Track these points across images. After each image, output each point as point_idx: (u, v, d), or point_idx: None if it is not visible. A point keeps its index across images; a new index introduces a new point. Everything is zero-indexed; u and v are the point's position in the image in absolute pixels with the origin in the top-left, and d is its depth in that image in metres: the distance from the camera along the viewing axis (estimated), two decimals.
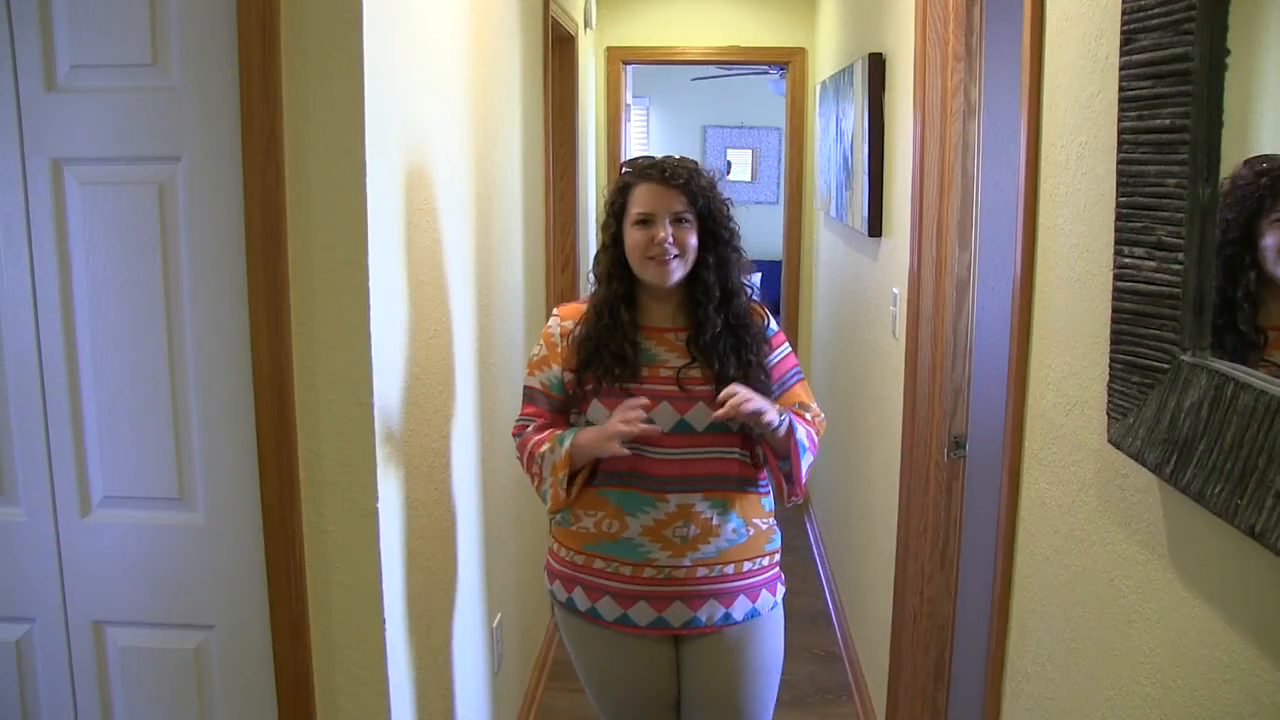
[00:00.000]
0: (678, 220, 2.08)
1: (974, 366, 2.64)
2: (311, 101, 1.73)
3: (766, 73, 7.43)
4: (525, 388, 2.23)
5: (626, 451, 2.00)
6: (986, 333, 2.73)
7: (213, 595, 1.92)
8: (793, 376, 2.25)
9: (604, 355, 2.10)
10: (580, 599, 2.17)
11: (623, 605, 2.13)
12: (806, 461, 2.15)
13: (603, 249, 2.18)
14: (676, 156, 2.15)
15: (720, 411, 1.96)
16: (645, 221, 2.08)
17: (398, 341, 1.96)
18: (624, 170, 2.17)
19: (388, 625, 1.90)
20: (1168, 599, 1.22)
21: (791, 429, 2.08)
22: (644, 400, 2.03)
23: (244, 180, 1.75)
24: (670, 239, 2.06)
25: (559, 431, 2.12)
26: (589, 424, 2.13)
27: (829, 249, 4.71)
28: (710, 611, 2.13)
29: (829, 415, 4.27)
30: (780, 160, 9.68)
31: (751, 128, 9.78)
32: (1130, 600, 1.32)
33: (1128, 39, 1.21)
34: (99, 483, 1.91)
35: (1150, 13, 1.16)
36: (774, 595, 2.22)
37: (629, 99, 6.01)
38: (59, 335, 1.86)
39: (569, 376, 2.15)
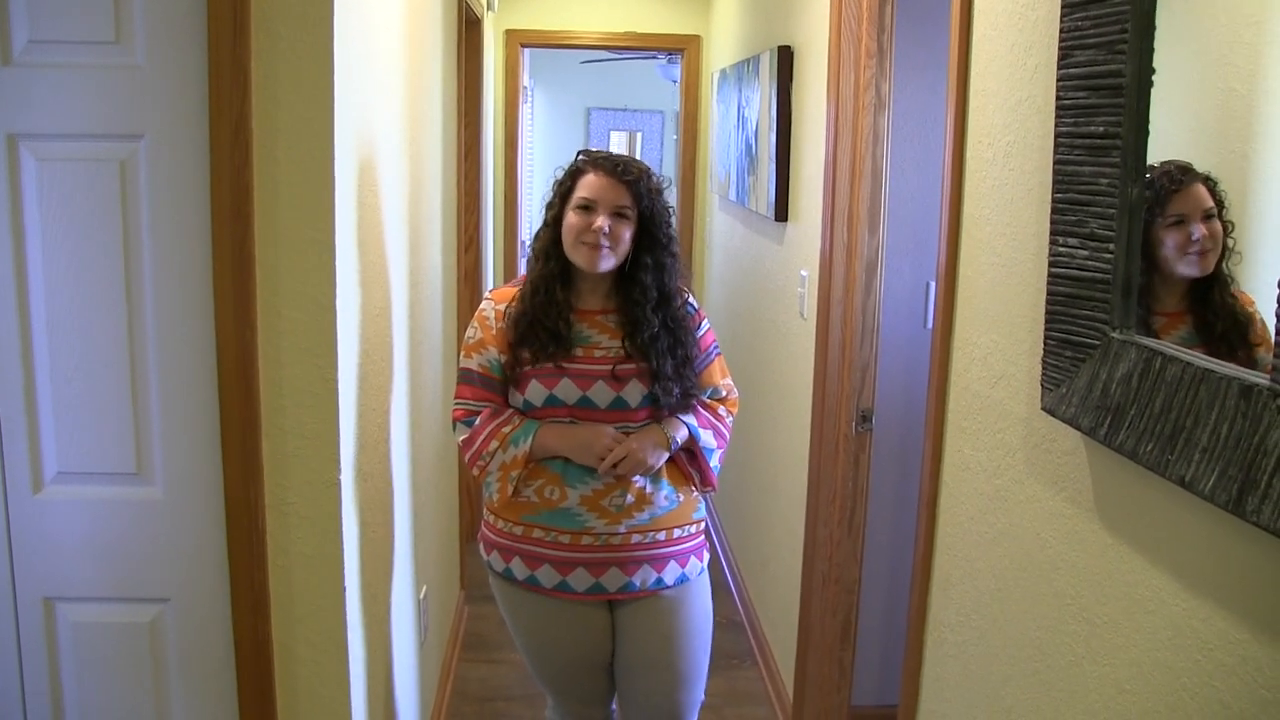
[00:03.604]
0: (618, 214, 2.18)
1: (880, 344, 2.82)
2: (281, 84, 1.77)
3: (655, 57, 7.56)
4: (463, 370, 2.29)
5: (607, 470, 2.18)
6: (891, 313, 2.93)
7: (169, 568, 1.95)
8: (711, 353, 2.40)
9: (538, 331, 2.20)
10: (519, 568, 2.26)
11: (561, 572, 2.23)
12: (714, 460, 2.34)
13: (544, 227, 2.27)
14: (628, 156, 2.26)
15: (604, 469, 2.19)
16: (586, 208, 2.18)
17: (353, 319, 2.01)
18: (579, 157, 2.26)
19: (348, 594, 1.96)
20: (1093, 546, 1.40)
21: (694, 438, 2.27)
22: (625, 443, 2.18)
23: (211, 161, 1.78)
24: (606, 229, 2.16)
25: (506, 429, 2.21)
26: (528, 404, 2.22)
27: (725, 231, 4.87)
28: (644, 576, 2.26)
29: None
30: (662, 143, 9.85)
31: (635, 110, 9.90)
32: (1057, 550, 1.50)
33: (1065, 54, 1.37)
34: (52, 459, 1.90)
35: (1086, 33, 1.32)
36: (701, 561, 2.37)
37: (526, 81, 6.05)
38: (12, 310, 1.85)
39: (505, 358, 2.24)
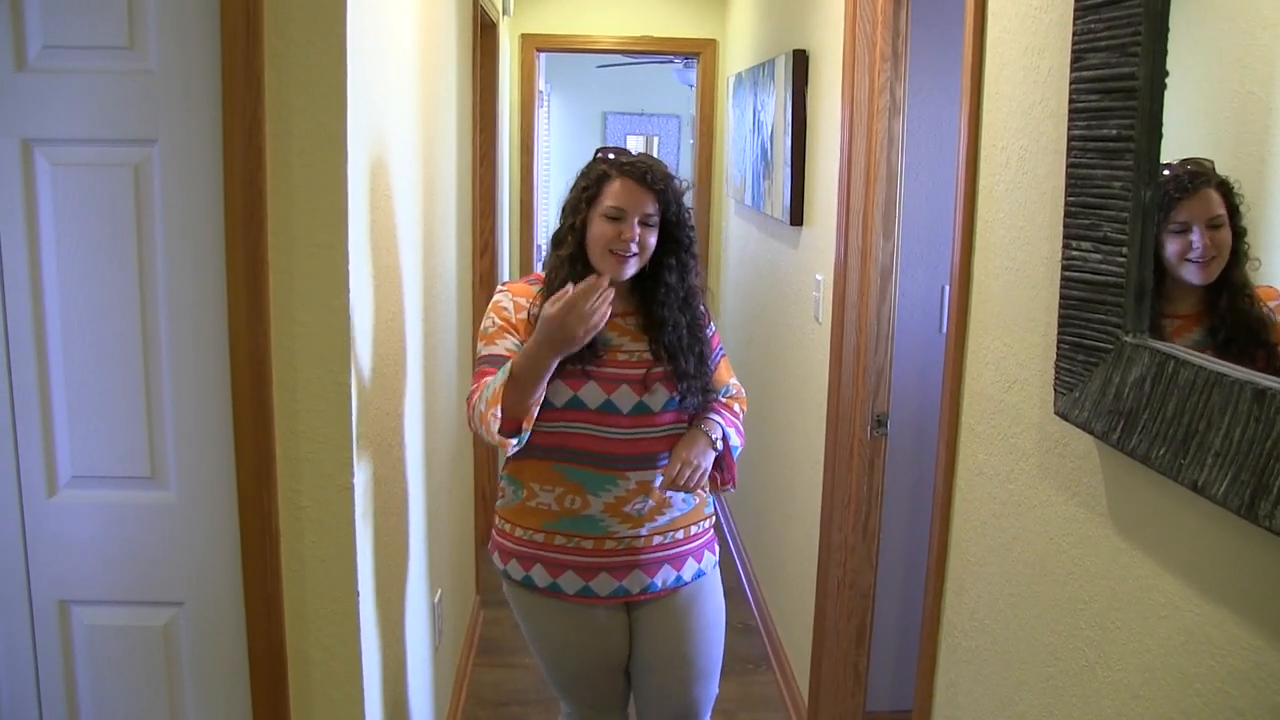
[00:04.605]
0: (645, 221, 2.15)
1: (895, 349, 2.81)
2: (294, 88, 1.78)
3: (671, 61, 7.57)
4: (487, 356, 2.18)
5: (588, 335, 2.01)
6: (906, 317, 2.92)
7: (183, 572, 1.95)
8: (719, 352, 2.40)
9: None
10: (540, 576, 2.24)
11: (585, 578, 2.22)
12: (737, 455, 2.33)
13: (569, 229, 2.21)
14: (650, 157, 2.21)
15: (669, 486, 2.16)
16: (615, 216, 2.14)
17: (366, 323, 2.02)
18: (601, 159, 2.21)
19: (361, 598, 1.97)
20: (1106, 551, 1.39)
21: (725, 439, 2.26)
22: (608, 291, 2.02)
23: (225, 165, 1.79)
24: (636, 239, 2.14)
25: (487, 378, 2.09)
26: (548, 404, 2.15)
27: (741, 235, 4.87)
28: (665, 576, 2.26)
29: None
30: (679, 147, 9.86)
31: (651, 115, 9.92)
32: (1070, 555, 1.49)
33: (1078, 57, 1.36)
34: (67, 463, 1.92)
35: (1099, 35, 1.31)
36: (714, 555, 2.38)
37: (542, 85, 6.07)
38: (27, 315, 1.86)
39: None
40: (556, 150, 9.28)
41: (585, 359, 2.15)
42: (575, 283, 2.11)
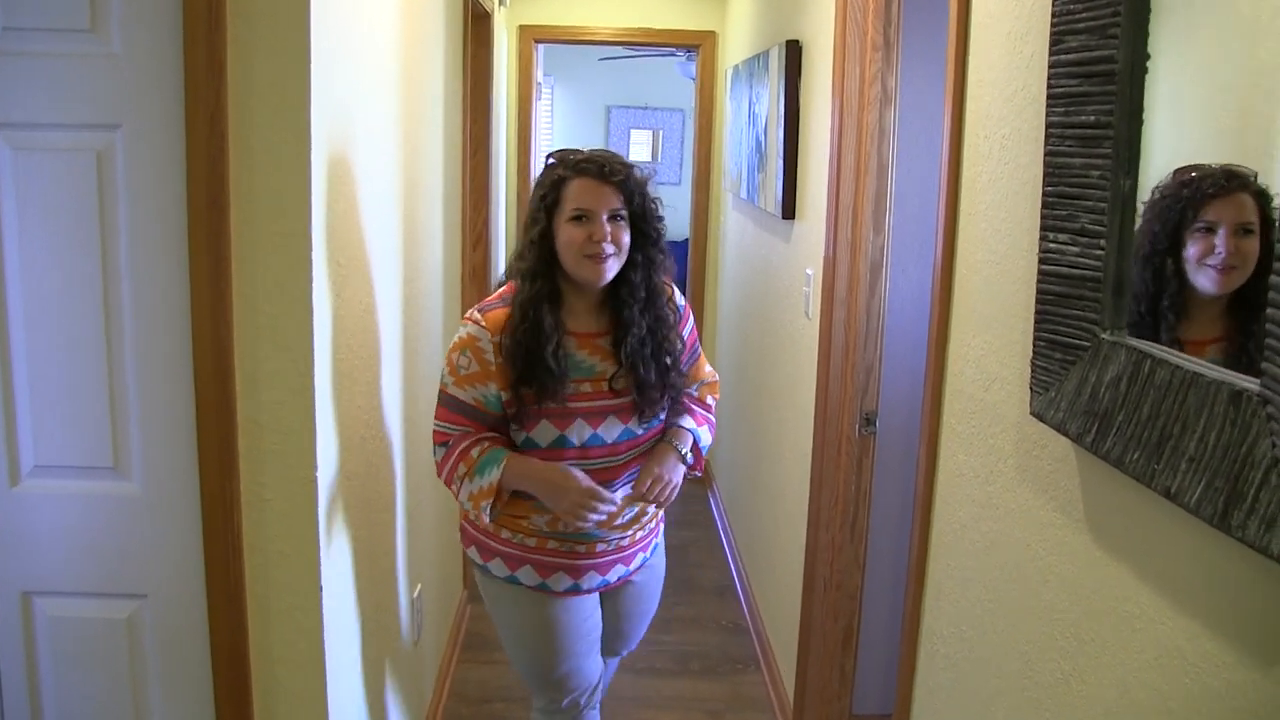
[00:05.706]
0: (614, 218, 2.06)
1: (885, 346, 2.76)
2: (256, 72, 1.73)
3: (673, 54, 7.51)
4: (452, 398, 2.12)
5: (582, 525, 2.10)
6: (897, 313, 2.86)
7: (147, 564, 1.91)
8: (696, 348, 2.37)
9: (536, 368, 2.05)
10: (528, 576, 2.21)
11: (573, 577, 2.23)
12: (706, 450, 2.34)
13: (529, 244, 2.10)
14: (604, 151, 2.12)
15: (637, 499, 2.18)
16: (582, 218, 2.04)
17: (330, 314, 1.96)
18: (554, 164, 2.11)
19: (325, 593, 1.92)
20: (1082, 559, 1.33)
21: (696, 441, 2.27)
22: (618, 500, 2.14)
23: (187, 150, 1.75)
24: (607, 237, 2.05)
25: (474, 452, 2.09)
26: (530, 442, 2.11)
27: (737, 229, 4.81)
28: (638, 560, 2.34)
29: (735, 393, 4.39)
30: (682, 142, 9.79)
31: (655, 109, 9.84)
32: (1046, 562, 1.43)
33: (1056, 40, 1.30)
34: (29, 452, 1.87)
35: (1078, 17, 1.26)
36: (662, 522, 2.45)
37: (540, 78, 6.01)
38: None
39: (508, 395, 2.09)
40: (560, 144, 9.21)
41: (560, 393, 2.07)
42: (547, 302, 2.07)
